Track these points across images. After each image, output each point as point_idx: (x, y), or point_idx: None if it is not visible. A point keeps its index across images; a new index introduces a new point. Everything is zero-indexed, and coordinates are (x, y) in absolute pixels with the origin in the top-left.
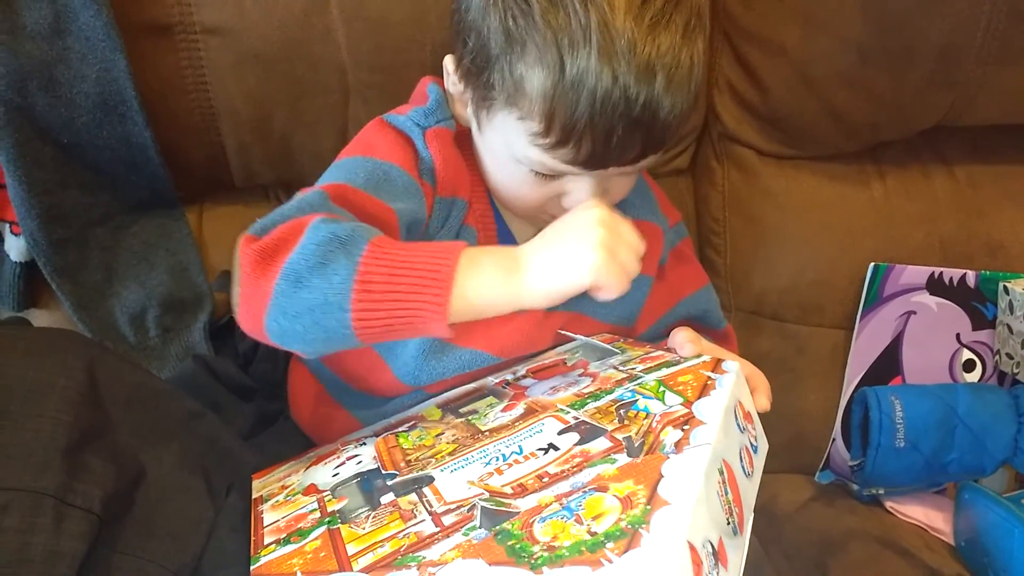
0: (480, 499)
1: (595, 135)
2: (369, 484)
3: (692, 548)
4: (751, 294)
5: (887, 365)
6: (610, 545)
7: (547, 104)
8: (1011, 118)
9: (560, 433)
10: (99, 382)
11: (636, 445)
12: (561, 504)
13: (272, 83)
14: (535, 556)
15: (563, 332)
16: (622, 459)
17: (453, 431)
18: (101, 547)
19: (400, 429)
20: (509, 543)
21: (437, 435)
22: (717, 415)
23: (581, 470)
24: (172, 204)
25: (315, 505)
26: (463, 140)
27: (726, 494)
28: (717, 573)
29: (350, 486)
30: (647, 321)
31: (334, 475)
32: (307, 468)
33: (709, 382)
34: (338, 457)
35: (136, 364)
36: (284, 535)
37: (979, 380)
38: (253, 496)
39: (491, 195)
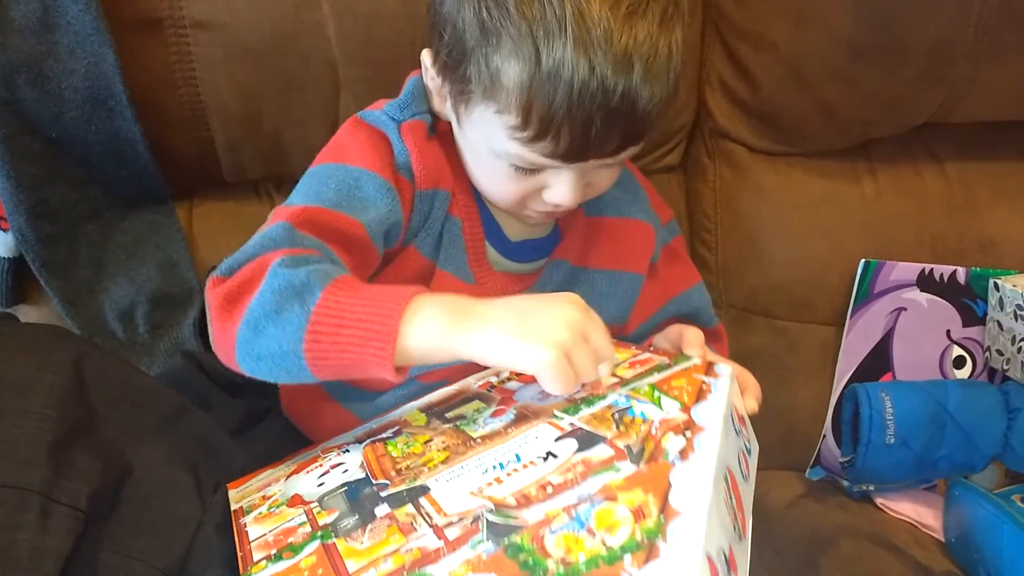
0: (485, 511)
1: (573, 127)
2: (357, 494)
3: (709, 559)
4: (742, 290)
5: (878, 361)
6: (628, 558)
7: (524, 96)
8: (1002, 115)
9: (557, 440)
10: (87, 378)
11: (637, 452)
12: (570, 516)
13: (262, 78)
14: (550, 572)
15: None
16: (626, 467)
17: (442, 438)
18: (87, 544)
19: (385, 435)
20: (521, 558)
21: (426, 442)
22: (717, 422)
23: (585, 479)
24: (162, 200)
25: (303, 518)
26: (445, 134)
27: (731, 500)
28: None
29: (337, 496)
30: (638, 319)
31: (319, 485)
32: (288, 477)
33: (704, 387)
34: (321, 465)
35: (124, 360)
36: (274, 550)
37: (969, 376)
38: (232, 507)
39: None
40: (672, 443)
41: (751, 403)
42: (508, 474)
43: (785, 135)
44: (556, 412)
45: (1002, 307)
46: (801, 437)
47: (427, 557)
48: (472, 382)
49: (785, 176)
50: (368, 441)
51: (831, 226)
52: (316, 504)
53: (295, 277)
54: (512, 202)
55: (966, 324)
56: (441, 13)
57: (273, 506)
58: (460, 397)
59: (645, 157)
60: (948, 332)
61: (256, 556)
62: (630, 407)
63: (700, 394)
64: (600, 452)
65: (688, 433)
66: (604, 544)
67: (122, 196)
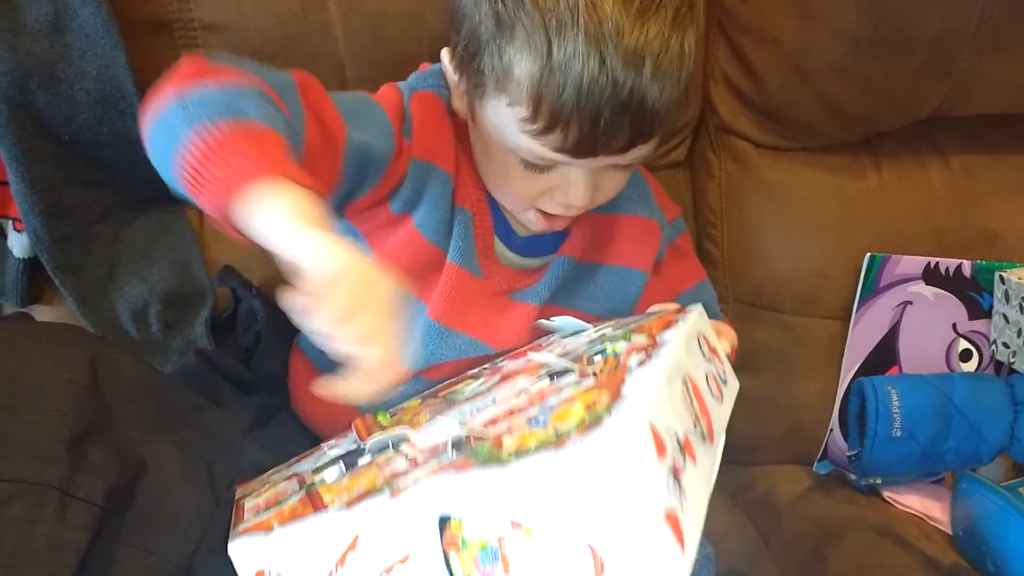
0: (451, 432)
1: (582, 120)
2: (347, 457)
3: (654, 429)
4: (748, 285)
5: (884, 355)
6: (573, 434)
7: (535, 88)
8: (1006, 107)
9: (533, 383)
10: (101, 376)
11: (600, 372)
12: (530, 421)
13: None
14: (503, 458)
15: (541, 322)
16: (588, 382)
17: (431, 408)
18: (103, 539)
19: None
20: (479, 455)
21: (415, 413)
22: (679, 338)
23: (550, 396)
24: (173, 200)
25: (296, 485)
26: (460, 124)
27: (691, 402)
28: (684, 462)
29: (329, 463)
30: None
31: (315, 462)
32: (289, 467)
33: (673, 320)
34: (320, 451)
35: (138, 358)
36: (263, 508)
37: (975, 370)
38: (236, 499)
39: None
40: (633, 360)
41: (725, 345)
42: (481, 411)
43: (789, 130)
44: (532, 357)
45: (1008, 300)
46: (808, 431)
47: (396, 475)
48: (469, 372)
49: (790, 171)
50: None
51: (836, 220)
52: (309, 472)
53: (240, 92)
54: (522, 200)
55: (972, 317)
56: (460, 8)
57: (270, 485)
58: (458, 381)
59: (650, 153)
60: (954, 325)
61: (246, 516)
62: (603, 349)
63: (667, 325)
64: (568, 378)
65: (649, 351)
66: (555, 430)
67: (134, 196)
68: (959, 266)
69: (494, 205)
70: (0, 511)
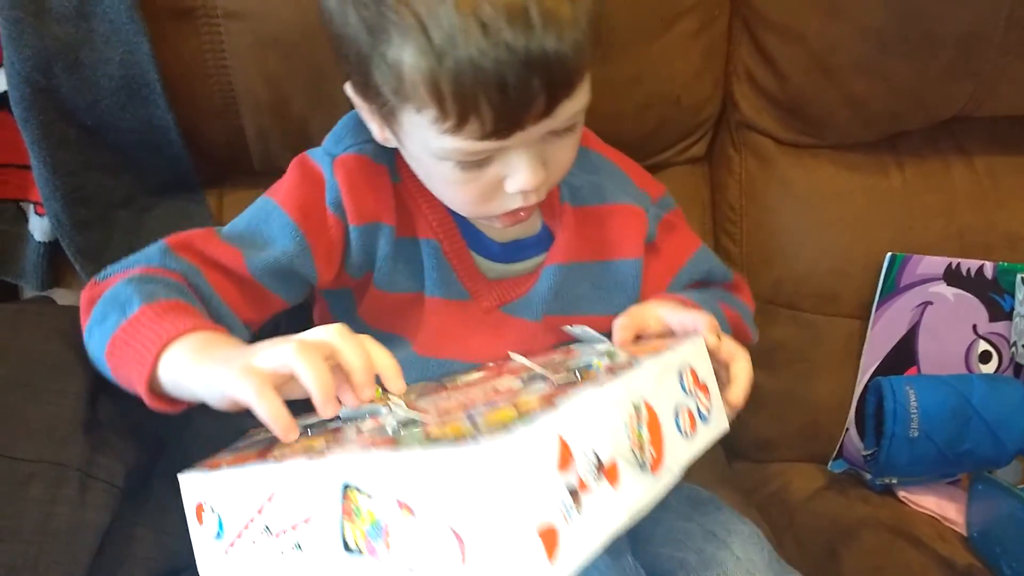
0: (398, 414)
1: (490, 95)
2: (323, 425)
3: (564, 443)
4: (767, 283)
5: (903, 355)
6: (486, 433)
7: (429, 81)
8: None
9: (509, 383)
10: None
11: (563, 384)
12: (467, 417)
13: (292, 67)
14: (417, 443)
15: (565, 328)
16: (544, 388)
17: (418, 392)
18: (122, 520)
19: None
20: (402, 438)
21: (407, 392)
22: (653, 365)
23: (502, 396)
24: (193, 188)
25: (265, 444)
26: (403, 164)
27: (639, 429)
28: (597, 484)
29: (312, 427)
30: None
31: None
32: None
33: (663, 347)
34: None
35: None
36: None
37: (995, 372)
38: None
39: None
40: (603, 378)
41: (736, 392)
42: (449, 399)
43: (812, 127)
44: (514, 359)
45: None
46: (824, 429)
47: (335, 442)
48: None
49: (811, 169)
50: None
51: (857, 219)
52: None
53: (123, 292)
54: (476, 204)
55: (992, 319)
56: (336, 33)
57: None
58: (465, 371)
59: (670, 149)
60: (974, 327)
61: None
62: (590, 363)
63: (655, 349)
64: (538, 384)
65: (617, 371)
66: (476, 426)
67: (155, 183)
68: (980, 267)
69: (461, 222)
70: (21, 490)
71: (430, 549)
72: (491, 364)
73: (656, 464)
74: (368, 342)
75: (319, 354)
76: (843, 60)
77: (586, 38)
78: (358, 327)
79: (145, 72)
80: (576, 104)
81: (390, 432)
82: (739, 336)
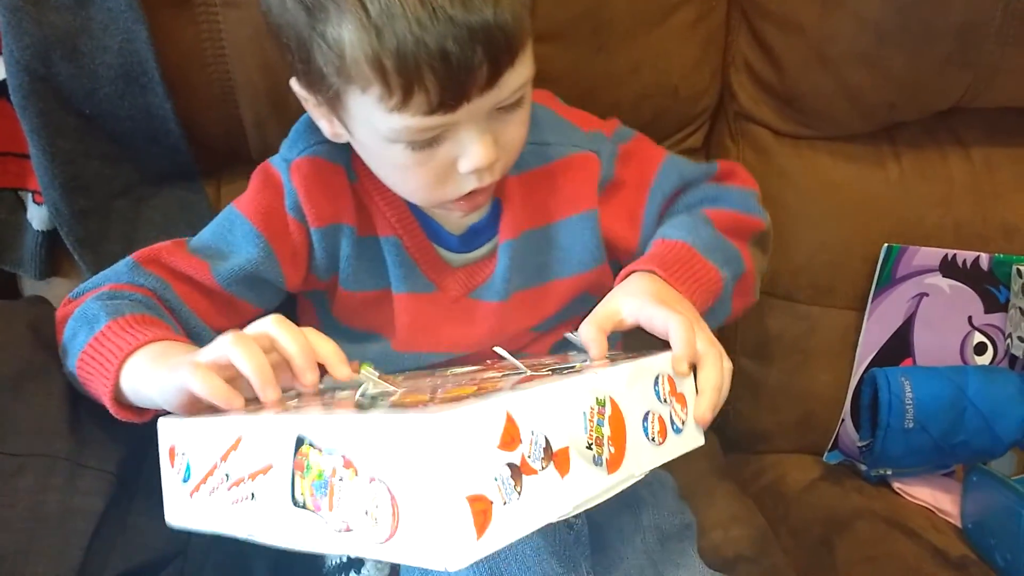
0: (365, 377)
1: (433, 66)
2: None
3: (511, 421)
4: (764, 274)
5: (898, 346)
6: (438, 404)
7: (371, 56)
8: None
9: (489, 374)
10: None
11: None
12: (431, 392)
13: None
14: (373, 409)
15: (566, 335)
16: (517, 379)
17: (407, 377)
18: (116, 509)
19: None
20: (365, 404)
21: (397, 376)
22: (624, 367)
23: (474, 382)
24: (192, 177)
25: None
26: (359, 164)
27: (599, 424)
28: (543, 468)
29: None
30: (634, 229)
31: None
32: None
33: (644, 355)
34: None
35: None
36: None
37: (990, 363)
38: None
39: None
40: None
41: (702, 405)
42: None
43: (810, 118)
44: (498, 352)
45: None
46: (819, 421)
47: (309, 403)
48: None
49: (809, 160)
50: None
51: (854, 210)
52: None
53: (91, 308)
54: (431, 190)
55: (988, 310)
56: (272, 21)
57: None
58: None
59: (667, 140)
60: (970, 318)
61: None
62: (574, 366)
63: (633, 358)
64: (512, 378)
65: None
66: (432, 399)
67: (153, 173)
68: (976, 259)
69: (420, 216)
70: (12, 481)
71: (368, 508)
72: (487, 361)
73: (615, 462)
74: (310, 332)
75: (255, 343)
76: (841, 51)
77: (524, 7)
78: (333, 327)
79: (143, 61)
80: (519, 75)
81: (357, 399)
82: (742, 228)
